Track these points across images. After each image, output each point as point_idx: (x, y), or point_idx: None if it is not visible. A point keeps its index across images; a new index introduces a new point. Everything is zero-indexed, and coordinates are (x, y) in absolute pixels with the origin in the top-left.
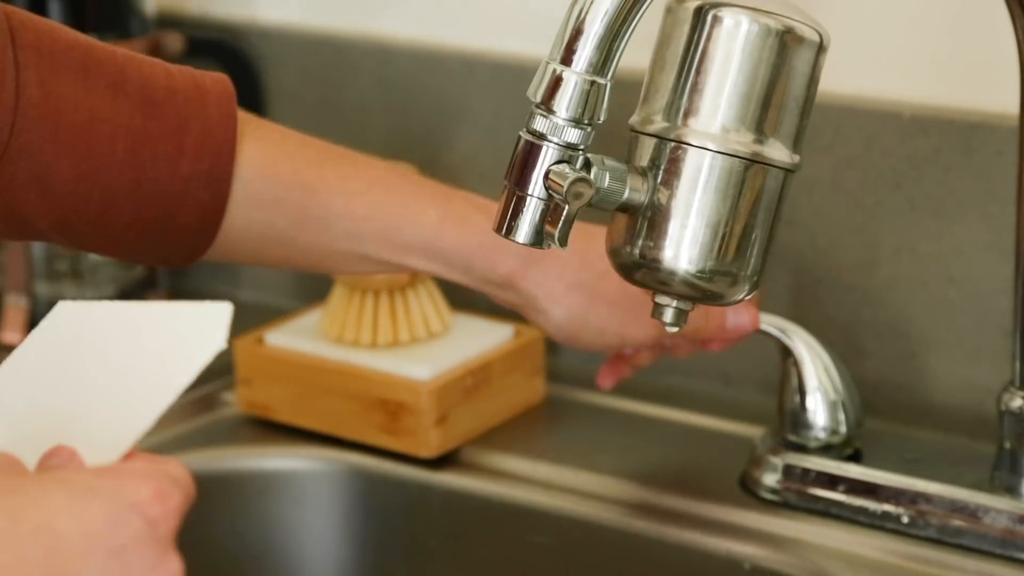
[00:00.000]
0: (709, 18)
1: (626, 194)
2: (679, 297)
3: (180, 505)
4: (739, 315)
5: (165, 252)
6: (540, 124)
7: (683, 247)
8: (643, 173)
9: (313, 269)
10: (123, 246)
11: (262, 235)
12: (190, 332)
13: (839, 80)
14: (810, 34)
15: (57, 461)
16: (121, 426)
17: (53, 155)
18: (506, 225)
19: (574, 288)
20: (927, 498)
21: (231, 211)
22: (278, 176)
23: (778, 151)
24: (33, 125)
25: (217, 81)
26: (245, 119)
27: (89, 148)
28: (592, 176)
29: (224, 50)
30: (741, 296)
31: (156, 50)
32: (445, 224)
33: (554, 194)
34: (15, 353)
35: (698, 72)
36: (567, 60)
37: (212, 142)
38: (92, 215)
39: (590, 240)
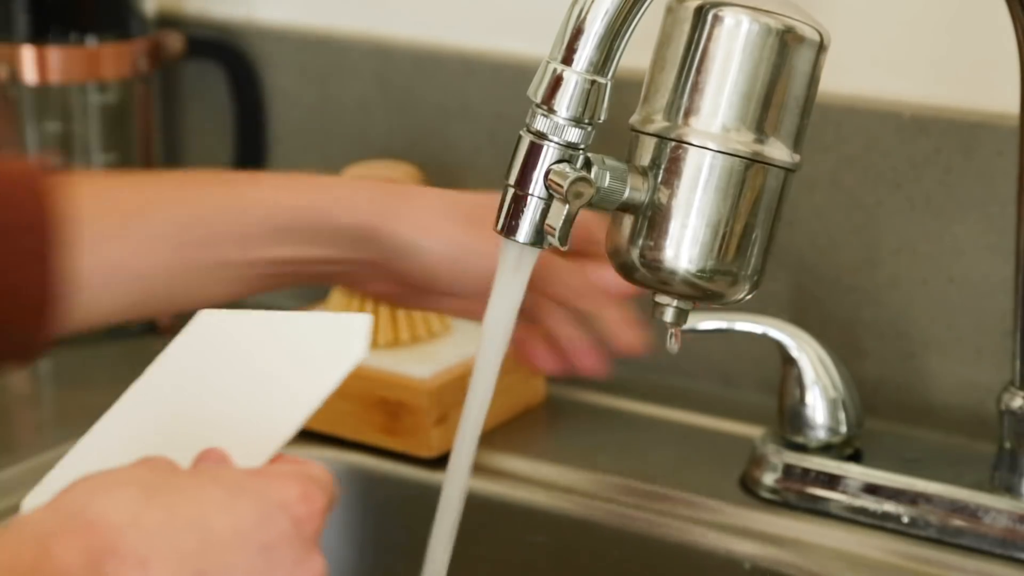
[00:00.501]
0: (710, 17)
1: (626, 193)
2: (679, 297)
3: (324, 507)
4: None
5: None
6: (540, 123)
7: (683, 247)
8: (643, 172)
9: (176, 301)
10: None
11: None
12: (331, 342)
13: (839, 80)
14: (811, 33)
15: (209, 464)
16: (266, 432)
17: None
18: (506, 225)
19: (449, 217)
20: (927, 498)
21: None
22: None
23: (779, 151)
24: None
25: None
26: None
27: None
28: (593, 175)
29: (223, 50)
30: (742, 295)
31: (156, 50)
32: (281, 194)
33: (554, 193)
34: (159, 360)
35: (698, 71)
36: (568, 59)
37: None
38: None
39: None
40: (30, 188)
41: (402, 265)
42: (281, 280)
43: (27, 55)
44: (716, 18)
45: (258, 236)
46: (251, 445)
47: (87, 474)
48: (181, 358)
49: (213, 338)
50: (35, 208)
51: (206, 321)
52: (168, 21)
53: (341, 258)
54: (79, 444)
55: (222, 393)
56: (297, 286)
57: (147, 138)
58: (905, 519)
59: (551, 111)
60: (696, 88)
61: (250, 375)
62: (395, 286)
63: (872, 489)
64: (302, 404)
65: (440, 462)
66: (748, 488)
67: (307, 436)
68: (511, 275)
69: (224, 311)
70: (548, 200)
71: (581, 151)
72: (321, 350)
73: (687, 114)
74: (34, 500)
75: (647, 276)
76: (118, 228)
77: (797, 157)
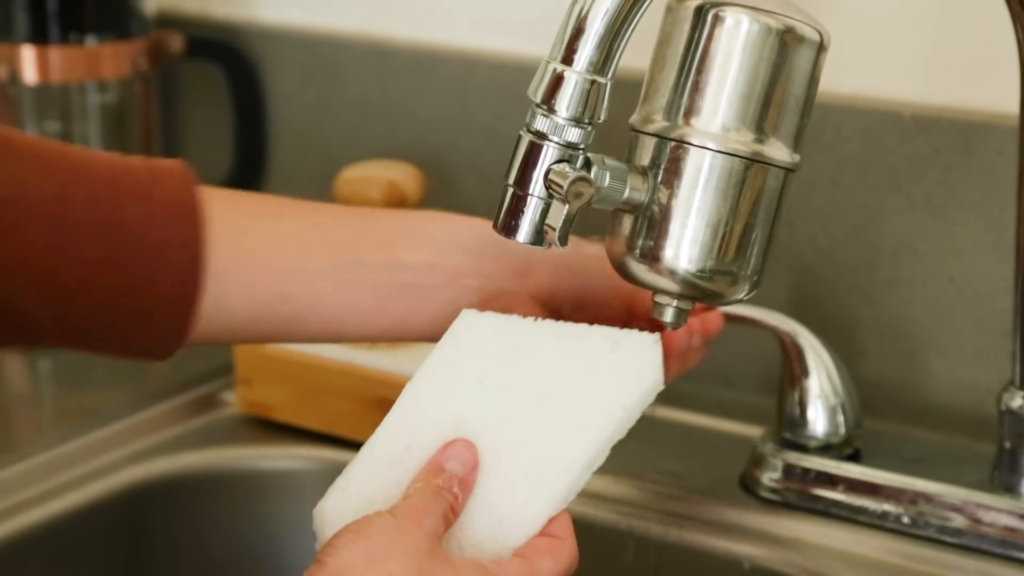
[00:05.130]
0: (710, 17)
1: (626, 193)
2: (679, 296)
3: None
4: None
5: (149, 330)
6: (540, 123)
7: (683, 246)
8: (643, 172)
9: (312, 328)
10: (102, 330)
11: (246, 266)
12: (622, 365)
13: (839, 80)
14: (811, 33)
15: (454, 464)
16: (554, 459)
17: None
18: (506, 225)
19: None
20: (927, 498)
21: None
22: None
23: (778, 150)
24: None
25: (172, 165)
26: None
27: (63, 217)
28: (593, 175)
29: (224, 50)
30: (742, 295)
31: (156, 50)
32: (420, 213)
33: (554, 193)
34: (433, 359)
35: (699, 71)
36: (568, 59)
37: (180, 210)
38: (73, 286)
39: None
40: (186, 203)
41: (554, 280)
42: (425, 294)
43: (27, 55)
44: (716, 18)
45: (395, 238)
46: (539, 468)
47: (355, 528)
48: (457, 361)
49: (486, 340)
50: (191, 224)
51: (473, 322)
52: (168, 21)
53: (486, 269)
54: (371, 445)
55: (507, 404)
56: (441, 312)
57: (147, 138)
58: (905, 519)
59: (551, 111)
60: (696, 88)
61: (532, 389)
62: (536, 306)
63: (872, 489)
64: (594, 434)
65: None
66: (748, 488)
67: (307, 436)
68: None
69: (488, 313)
70: (548, 200)
71: (581, 151)
72: (610, 373)
73: (687, 114)
74: (333, 504)
75: (647, 276)
76: (256, 225)
77: (797, 157)
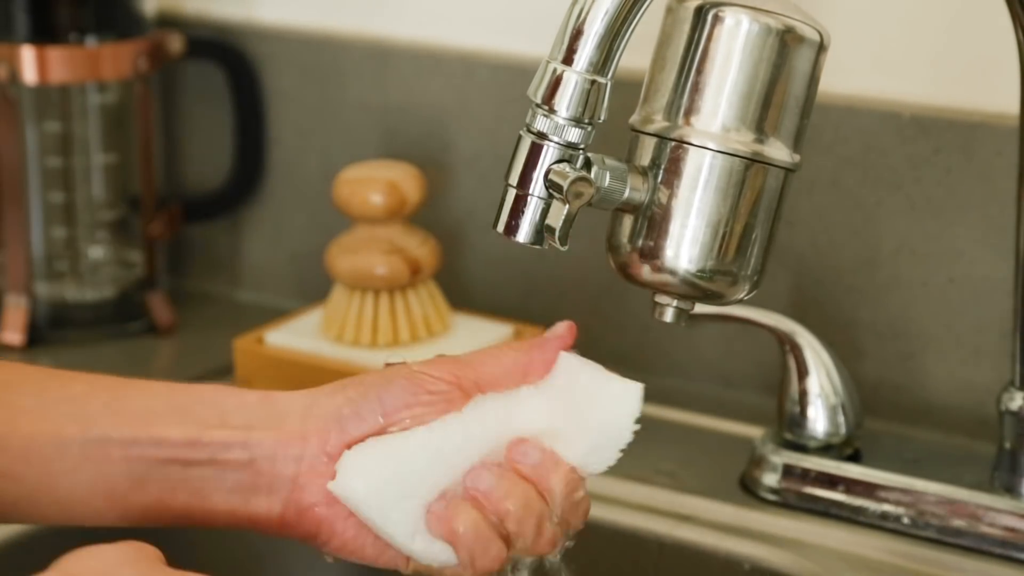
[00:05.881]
0: (710, 17)
1: (626, 193)
2: (679, 297)
3: None
4: None
5: None
6: (541, 123)
7: (683, 246)
8: (643, 172)
9: (45, 510)
10: None
11: None
12: (606, 406)
13: (839, 80)
14: (811, 33)
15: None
16: None
17: None
18: (506, 225)
19: None
20: (927, 498)
21: None
22: None
23: (778, 150)
24: None
25: None
26: None
27: None
28: (593, 175)
29: (223, 50)
30: (742, 295)
31: (156, 50)
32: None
33: (554, 193)
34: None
35: (699, 71)
36: (568, 60)
37: None
38: None
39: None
40: None
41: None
42: (188, 470)
43: (27, 55)
44: (716, 18)
45: (152, 412)
46: None
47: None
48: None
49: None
50: None
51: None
52: (168, 21)
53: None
54: (423, 431)
55: (521, 422)
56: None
57: (147, 138)
58: (905, 519)
59: (551, 111)
60: (696, 88)
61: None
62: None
63: (872, 489)
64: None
65: None
66: (748, 488)
67: None
68: None
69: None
70: (548, 200)
71: (581, 151)
72: (595, 413)
73: (687, 114)
74: (354, 459)
75: (647, 276)
76: None
77: (797, 157)
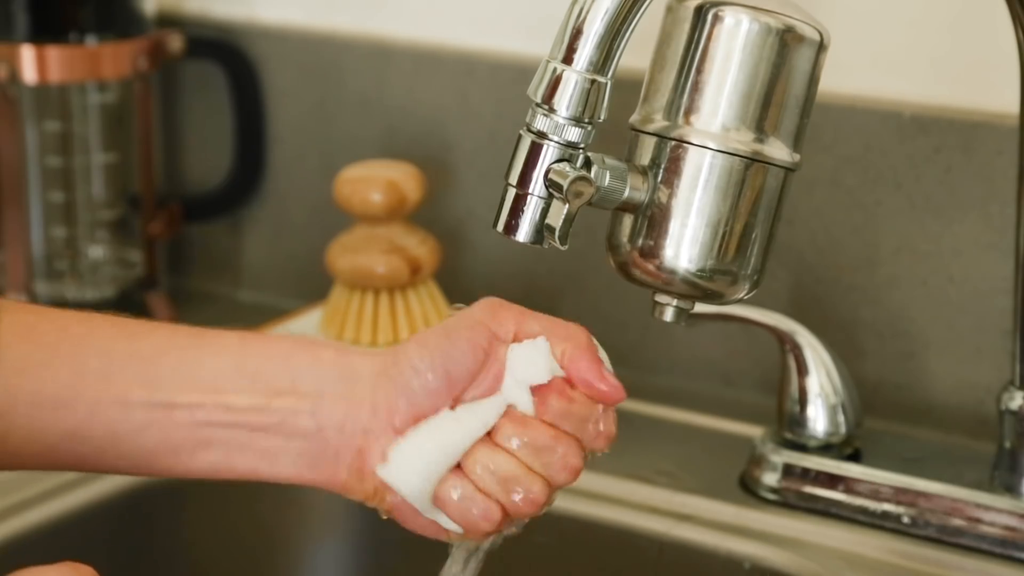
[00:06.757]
0: (710, 17)
1: (626, 193)
2: (679, 296)
3: None
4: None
5: None
6: (541, 123)
7: (683, 246)
8: (643, 172)
9: (114, 463)
10: None
11: (31, 405)
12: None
13: (839, 80)
14: (811, 33)
15: None
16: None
17: None
18: (506, 224)
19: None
20: (927, 498)
21: None
22: (41, 338)
23: (778, 150)
24: None
25: None
26: None
27: None
28: (593, 175)
29: (224, 50)
30: (742, 295)
31: (156, 50)
32: (248, 342)
33: (554, 193)
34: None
35: (698, 71)
36: (568, 59)
37: None
38: None
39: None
40: None
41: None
42: (252, 434)
43: (27, 55)
44: (716, 17)
45: (219, 378)
46: None
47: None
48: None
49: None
50: None
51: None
52: (168, 21)
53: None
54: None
55: None
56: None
57: (147, 138)
58: (905, 519)
59: (551, 110)
60: (696, 87)
61: None
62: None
63: (872, 489)
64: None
65: None
66: (748, 488)
67: None
68: None
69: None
70: (548, 199)
71: (581, 150)
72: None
73: (687, 113)
74: (406, 450)
75: (647, 275)
76: (54, 358)
77: (797, 157)
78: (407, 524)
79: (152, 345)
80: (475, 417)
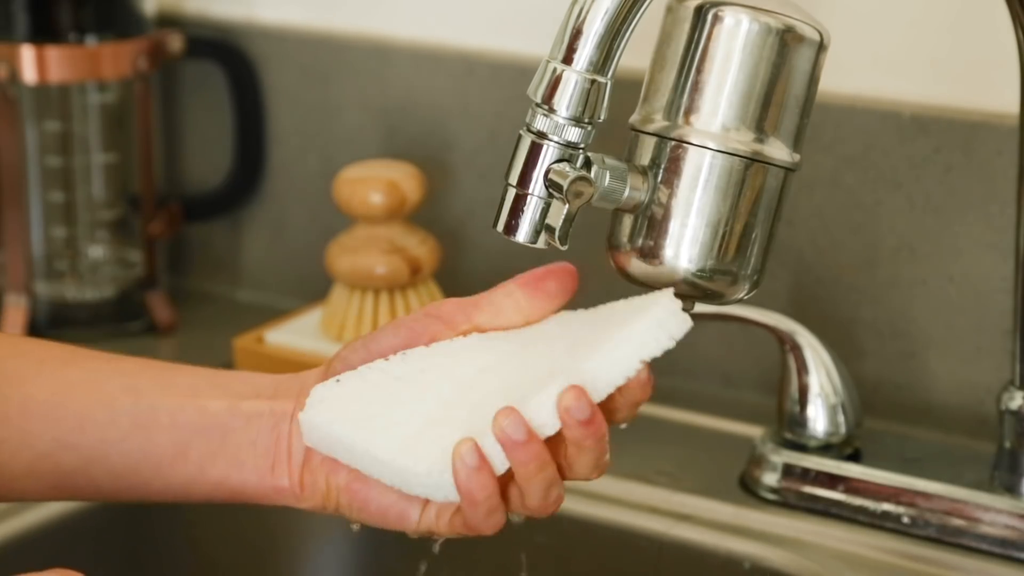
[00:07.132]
0: (709, 17)
1: (626, 193)
2: (679, 296)
3: None
4: None
5: None
6: (540, 123)
7: (683, 246)
8: (643, 172)
9: (95, 480)
10: None
11: (22, 414)
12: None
13: (839, 80)
14: (811, 33)
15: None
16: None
17: None
18: (506, 224)
19: None
20: (927, 498)
21: None
22: (29, 354)
23: (778, 150)
24: None
25: None
26: None
27: None
28: (593, 175)
29: (223, 50)
30: (742, 295)
31: (156, 50)
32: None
33: (554, 193)
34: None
35: (698, 71)
36: (568, 59)
37: None
38: None
39: None
40: None
41: None
42: (226, 435)
43: (27, 55)
44: (716, 17)
45: (197, 385)
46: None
47: None
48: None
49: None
50: None
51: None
52: (168, 21)
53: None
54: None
55: (543, 343)
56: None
57: (147, 138)
58: (905, 519)
59: (551, 110)
60: (696, 87)
61: (573, 332)
62: None
63: (872, 489)
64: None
65: None
66: (748, 488)
67: None
68: None
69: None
70: (548, 199)
71: (581, 150)
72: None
73: (687, 113)
74: (323, 388)
75: (647, 275)
76: (42, 372)
77: (797, 157)
78: (370, 510)
79: (132, 363)
80: (408, 358)
